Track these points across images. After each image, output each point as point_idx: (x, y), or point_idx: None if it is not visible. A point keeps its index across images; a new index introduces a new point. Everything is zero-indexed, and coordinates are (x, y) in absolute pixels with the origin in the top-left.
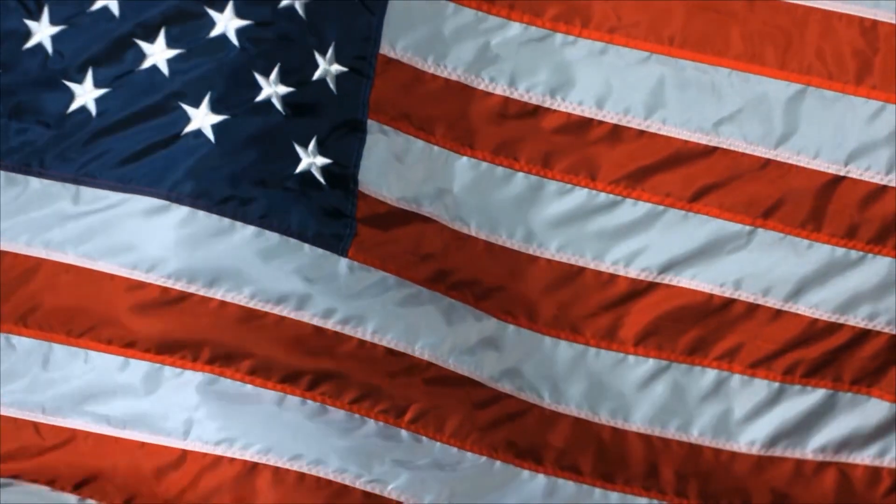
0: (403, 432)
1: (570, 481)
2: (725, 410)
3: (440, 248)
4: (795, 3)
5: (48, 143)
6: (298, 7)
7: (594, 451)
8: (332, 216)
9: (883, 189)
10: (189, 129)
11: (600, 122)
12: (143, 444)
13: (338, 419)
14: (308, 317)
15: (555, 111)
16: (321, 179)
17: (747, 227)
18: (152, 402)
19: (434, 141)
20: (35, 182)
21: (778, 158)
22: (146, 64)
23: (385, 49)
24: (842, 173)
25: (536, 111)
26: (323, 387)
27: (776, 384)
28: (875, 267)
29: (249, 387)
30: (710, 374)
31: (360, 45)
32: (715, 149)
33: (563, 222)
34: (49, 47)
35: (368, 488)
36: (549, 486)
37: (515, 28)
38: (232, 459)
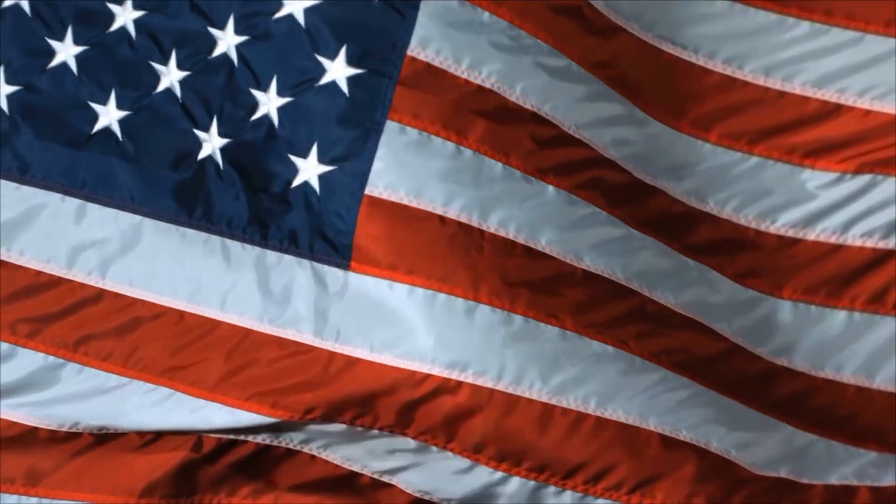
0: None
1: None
2: None
3: (460, 249)
4: None
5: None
6: (298, 15)
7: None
8: (327, 228)
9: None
10: (202, 155)
11: None
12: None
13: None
14: (303, 336)
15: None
16: (317, 189)
17: None
18: None
19: (466, 145)
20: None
21: None
22: (161, 86)
23: (415, 50)
24: None
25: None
26: (317, 411)
27: None
28: None
29: None
30: None
31: (382, 46)
32: None
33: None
34: (74, 67)
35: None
36: None
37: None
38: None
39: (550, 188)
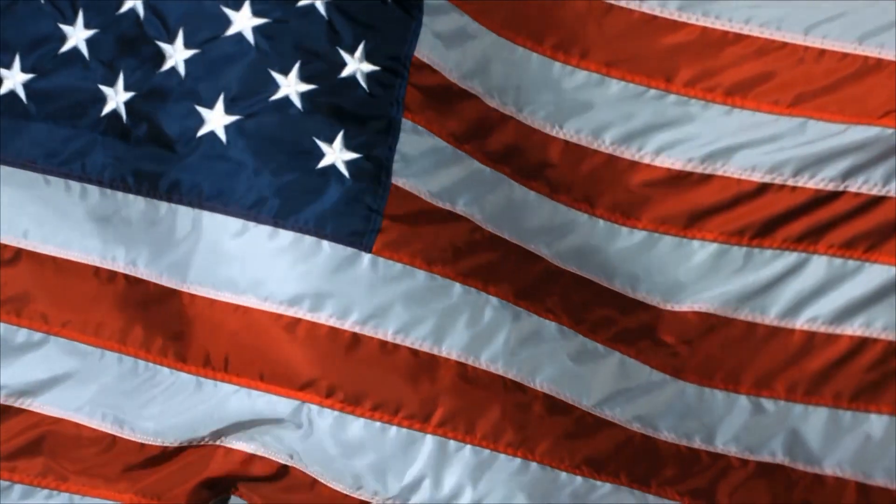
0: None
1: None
2: None
3: (468, 246)
4: None
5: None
6: (319, 6)
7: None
8: (356, 211)
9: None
10: (203, 131)
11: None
12: None
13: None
14: (324, 318)
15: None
16: (346, 174)
17: None
18: None
19: (465, 150)
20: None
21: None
22: (166, 66)
23: (420, 53)
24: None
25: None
26: (339, 394)
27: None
28: None
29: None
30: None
31: (394, 46)
32: None
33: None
34: (85, 51)
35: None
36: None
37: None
38: None
39: (532, 193)
